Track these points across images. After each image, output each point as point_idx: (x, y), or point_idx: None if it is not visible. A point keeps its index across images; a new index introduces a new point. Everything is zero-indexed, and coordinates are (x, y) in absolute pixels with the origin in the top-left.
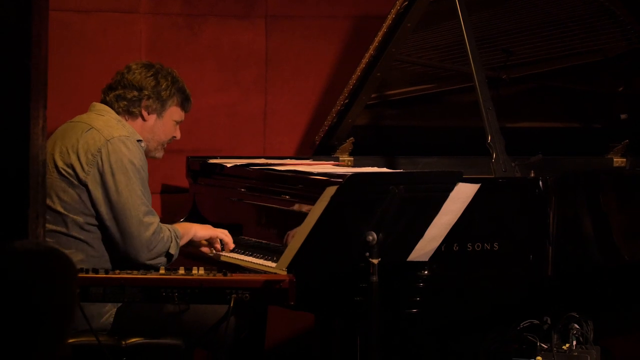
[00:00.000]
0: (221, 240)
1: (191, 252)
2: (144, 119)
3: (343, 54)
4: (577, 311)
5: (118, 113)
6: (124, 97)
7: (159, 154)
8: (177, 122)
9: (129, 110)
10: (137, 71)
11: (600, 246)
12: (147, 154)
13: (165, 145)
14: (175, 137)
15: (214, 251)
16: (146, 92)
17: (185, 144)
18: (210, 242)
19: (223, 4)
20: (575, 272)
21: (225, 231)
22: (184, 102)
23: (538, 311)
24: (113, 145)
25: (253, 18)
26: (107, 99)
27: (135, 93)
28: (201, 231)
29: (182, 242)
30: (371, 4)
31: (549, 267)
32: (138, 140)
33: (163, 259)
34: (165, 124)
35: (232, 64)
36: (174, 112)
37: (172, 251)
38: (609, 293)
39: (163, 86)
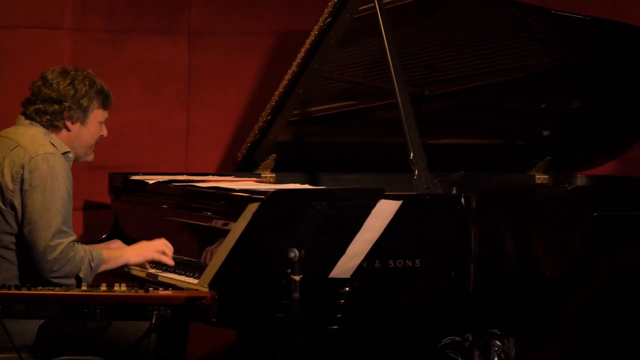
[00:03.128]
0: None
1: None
2: (68, 130)
3: (266, 70)
4: (499, 328)
5: (43, 126)
6: (45, 112)
7: (90, 157)
8: (102, 122)
9: (52, 124)
10: (53, 82)
11: (521, 263)
12: (78, 160)
13: (94, 147)
14: (102, 135)
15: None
16: (66, 104)
17: (108, 161)
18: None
19: (146, 20)
20: (497, 289)
21: (162, 249)
22: (105, 102)
23: (460, 328)
24: (35, 162)
25: (176, 34)
26: (28, 113)
27: (56, 107)
28: (134, 258)
29: (108, 267)
30: (294, 21)
31: (470, 284)
32: (65, 153)
33: (72, 281)
34: (90, 128)
35: (154, 80)
36: (97, 115)
37: (81, 274)
38: (530, 309)
39: (82, 92)
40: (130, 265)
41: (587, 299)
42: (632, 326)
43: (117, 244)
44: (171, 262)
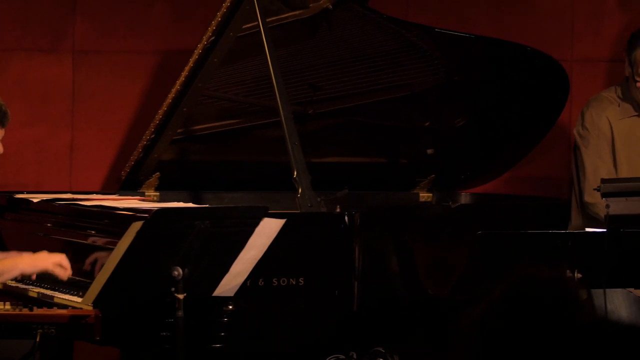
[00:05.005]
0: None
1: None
2: None
3: (151, 88)
4: (383, 346)
5: None
6: None
7: None
8: None
9: None
10: None
11: (405, 281)
12: None
13: None
14: None
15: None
16: None
17: None
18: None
19: (30, 38)
20: (381, 307)
21: (60, 261)
22: (2, 119)
23: (344, 346)
24: None
25: (60, 53)
26: None
27: None
28: (29, 268)
29: (3, 279)
30: (179, 39)
31: (354, 302)
32: None
33: None
34: None
35: (38, 99)
36: None
37: None
38: (415, 327)
39: None
40: (25, 274)
41: (476, 316)
42: (522, 343)
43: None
44: (64, 278)
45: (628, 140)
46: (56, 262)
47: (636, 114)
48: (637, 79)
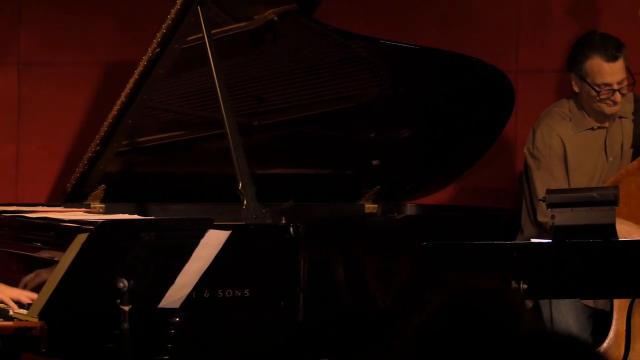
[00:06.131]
0: None
1: None
2: None
3: (96, 100)
4: (330, 357)
5: None
6: None
7: None
8: None
9: None
10: None
11: (351, 292)
12: None
13: None
14: None
15: None
16: None
17: None
18: None
19: None
20: (327, 318)
21: (17, 297)
22: None
23: (291, 357)
24: None
25: (5, 65)
26: None
27: None
28: None
29: None
30: (124, 51)
31: (300, 313)
32: None
33: None
34: None
35: None
36: None
37: None
38: (361, 338)
39: None
40: None
41: (414, 326)
42: (458, 354)
43: None
44: (14, 307)
45: (583, 154)
46: (14, 297)
47: (589, 127)
48: (598, 89)
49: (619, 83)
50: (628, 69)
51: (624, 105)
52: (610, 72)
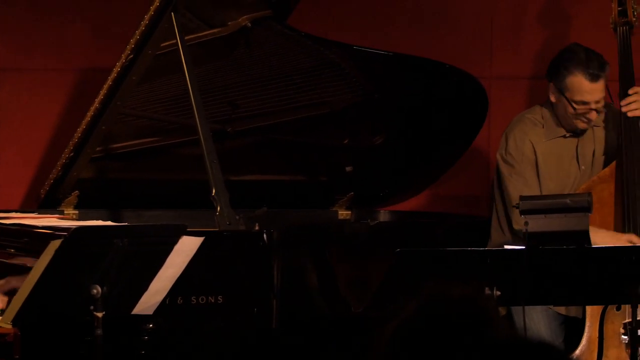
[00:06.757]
0: None
1: None
2: None
3: (70, 106)
4: None
5: None
6: None
7: None
8: None
9: None
10: None
11: (324, 298)
12: None
13: None
14: None
15: None
16: None
17: None
18: None
19: None
20: (301, 324)
21: None
22: None
23: None
24: None
25: None
26: None
27: None
28: None
29: None
30: (98, 57)
31: (273, 320)
32: None
33: None
34: None
35: None
36: None
37: None
38: (335, 344)
39: None
40: None
41: (393, 332)
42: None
43: None
44: None
45: (554, 161)
46: None
47: (561, 135)
48: (575, 106)
49: (596, 102)
50: (607, 88)
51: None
52: (590, 91)
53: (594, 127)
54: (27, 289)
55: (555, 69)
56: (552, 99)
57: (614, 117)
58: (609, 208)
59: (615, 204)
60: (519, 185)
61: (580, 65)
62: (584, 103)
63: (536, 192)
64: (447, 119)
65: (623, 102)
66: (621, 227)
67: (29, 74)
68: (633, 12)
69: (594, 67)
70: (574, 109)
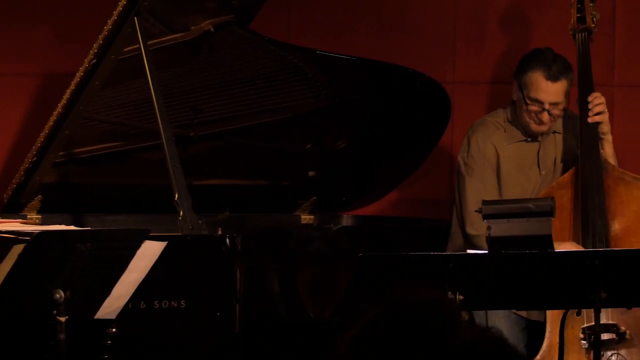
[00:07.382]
0: None
1: None
2: None
3: (34, 111)
4: None
5: None
6: None
7: None
8: None
9: None
10: None
11: (287, 303)
12: None
13: None
14: None
15: None
16: None
17: None
18: None
19: None
20: (264, 329)
21: None
22: None
23: None
24: None
25: None
26: None
27: None
28: None
29: None
30: (62, 62)
31: (236, 324)
32: None
33: None
34: None
35: None
36: None
37: None
38: (298, 349)
39: None
40: None
41: (349, 339)
42: None
43: None
44: None
45: (516, 165)
46: None
47: (523, 139)
48: (529, 102)
49: (551, 104)
50: (568, 96)
51: (557, 120)
52: (545, 90)
53: (555, 133)
54: None
55: (520, 65)
56: (514, 96)
57: (574, 123)
58: (568, 213)
59: (574, 209)
60: (477, 188)
61: (542, 63)
62: (538, 102)
63: (494, 197)
64: (410, 123)
65: (581, 108)
66: (580, 232)
67: None
68: (592, 18)
69: (556, 68)
70: (527, 104)
